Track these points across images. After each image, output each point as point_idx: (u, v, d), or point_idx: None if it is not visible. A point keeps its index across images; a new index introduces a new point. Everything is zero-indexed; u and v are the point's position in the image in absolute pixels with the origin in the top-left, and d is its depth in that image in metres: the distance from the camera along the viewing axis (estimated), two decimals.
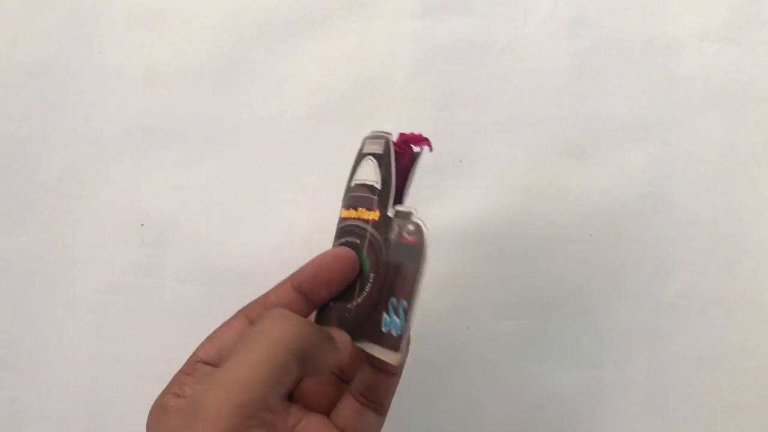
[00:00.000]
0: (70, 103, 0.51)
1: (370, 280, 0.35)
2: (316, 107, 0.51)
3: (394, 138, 0.36)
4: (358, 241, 0.36)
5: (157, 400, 0.34)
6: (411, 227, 0.34)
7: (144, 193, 0.51)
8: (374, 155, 0.36)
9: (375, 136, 0.37)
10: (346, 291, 0.35)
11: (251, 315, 0.36)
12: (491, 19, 0.51)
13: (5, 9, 0.52)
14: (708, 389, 0.50)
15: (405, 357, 0.34)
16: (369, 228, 0.35)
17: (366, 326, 0.34)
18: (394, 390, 0.37)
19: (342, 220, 0.37)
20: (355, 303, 0.35)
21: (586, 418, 0.50)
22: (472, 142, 0.51)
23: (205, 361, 0.35)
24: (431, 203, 0.50)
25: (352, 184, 0.37)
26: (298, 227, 0.50)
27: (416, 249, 0.33)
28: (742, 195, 0.50)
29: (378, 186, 0.36)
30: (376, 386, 0.36)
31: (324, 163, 0.50)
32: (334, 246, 0.37)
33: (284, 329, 0.31)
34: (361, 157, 0.37)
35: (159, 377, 0.50)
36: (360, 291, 0.35)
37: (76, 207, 0.51)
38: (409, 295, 0.33)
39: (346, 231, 0.37)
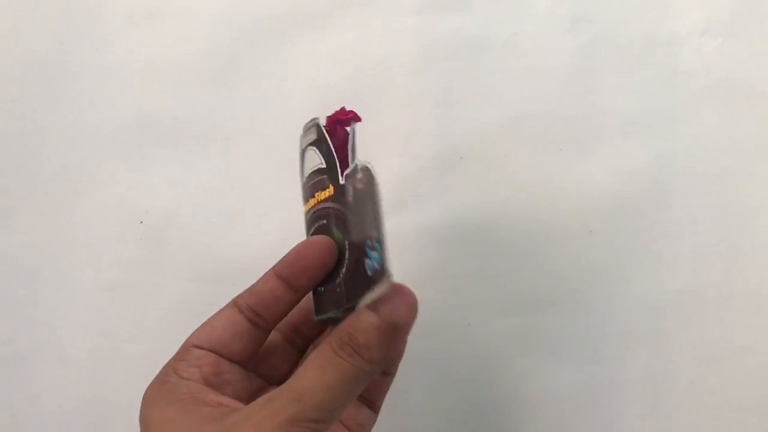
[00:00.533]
0: (69, 100, 0.51)
1: (347, 247, 0.34)
2: (315, 104, 0.51)
3: (323, 121, 0.37)
4: (325, 222, 0.36)
5: (153, 382, 0.35)
6: (359, 175, 0.34)
7: (143, 190, 0.51)
8: (311, 144, 0.37)
9: (306, 128, 0.38)
10: (332, 273, 0.35)
11: (239, 303, 0.36)
12: (491, 14, 0.51)
13: (4, 5, 0.52)
14: (709, 386, 0.50)
15: (392, 276, 0.31)
16: (329, 204, 0.36)
17: (356, 285, 0.33)
18: (387, 389, 0.38)
19: (306, 212, 0.38)
20: (341, 277, 0.35)
21: (586, 415, 0.50)
22: (472, 138, 0.51)
23: (197, 345, 0.36)
24: (431, 200, 0.50)
25: (304, 179, 0.38)
26: (298, 225, 0.50)
27: (369, 187, 0.33)
28: (743, 191, 0.50)
29: (323, 165, 0.36)
30: (371, 386, 0.36)
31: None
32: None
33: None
34: (302, 153, 0.38)
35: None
36: (341, 264, 0.35)
37: (75, 204, 0.51)
38: (377, 225, 0.32)
39: (313, 219, 0.37)
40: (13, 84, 0.51)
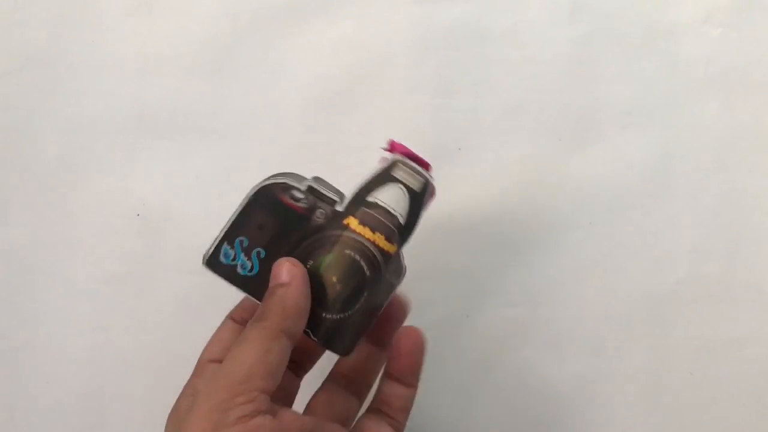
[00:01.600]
0: (66, 91, 0.51)
1: (363, 298, 0.37)
2: (314, 95, 0.51)
3: (427, 176, 0.38)
4: (363, 264, 0.37)
5: (177, 400, 0.37)
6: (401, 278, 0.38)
7: (140, 182, 0.50)
8: (408, 188, 0.37)
9: (414, 170, 0.37)
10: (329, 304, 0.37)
11: (236, 317, 0.39)
12: (490, 4, 0.51)
13: None
14: (709, 376, 0.50)
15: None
16: (378, 254, 0.37)
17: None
18: (410, 406, 0.39)
19: (350, 229, 0.37)
20: (331, 315, 0.37)
21: (586, 406, 0.50)
22: (471, 129, 0.50)
23: (213, 360, 0.37)
24: None
25: (371, 199, 0.37)
26: None
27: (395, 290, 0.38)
28: (743, 182, 0.50)
29: (403, 222, 0.37)
30: (392, 399, 0.38)
31: (321, 151, 0.50)
32: (329, 237, 0.37)
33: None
34: (389, 178, 0.37)
35: (157, 367, 0.50)
36: (352, 304, 0.37)
37: (72, 197, 0.50)
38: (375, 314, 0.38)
39: (355, 243, 0.37)
40: (9, 76, 0.51)
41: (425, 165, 0.38)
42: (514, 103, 0.50)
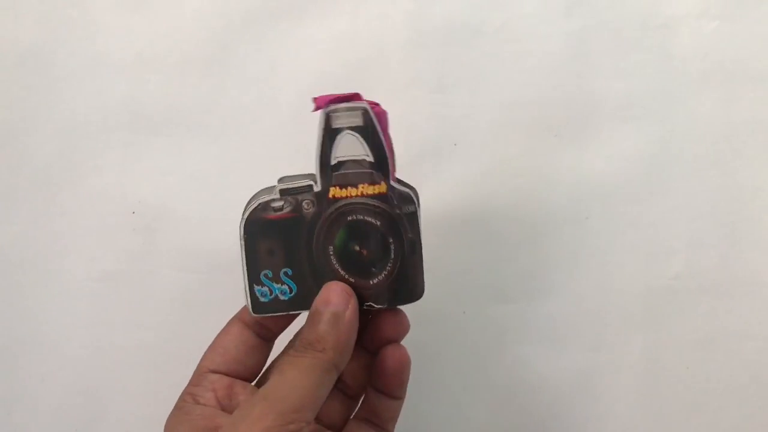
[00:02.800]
0: (59, 89, 0.51)
1: (392, 253, 0.37)
2: (309, 91, 0.50)
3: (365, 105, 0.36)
4: (372, 221, 0.36)
5: (173, 410, 0.36)
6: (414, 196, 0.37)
7: (135, 180, 0.50)
8: (353, 128, 0.36)
9: (346, 108, 0.36)
10: (368, 270, 0.37)
11: (245, 319, 0.38)
12: None
13: None
14: (705, 371, 0.50)
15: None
16: (377, 203, 0.36)
17: (398, 290, 0.37)
18: (398, 414, 0.39)
19: (333, 198, 0.37)
20: (381, 278, 0.37)
21: (583, 401, 0.50)
22: (466, 124, 0.50)
23: (213, 370, 0.37)
24: (426, 187, 0.49)
25: (333, 162, 0.36)
26: None
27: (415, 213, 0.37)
28: (740, 176, 0.50)
29: (372, 158, 0.36)
30: (381, 410, 0.39)
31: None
32: (328, 217, 0.37)
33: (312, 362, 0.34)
34: (332, 132, 0.36)
35: (153, 365, 0.50)
36: (382, 266, 0.37)
37: (67, 195, 0.50)
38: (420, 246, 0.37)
39: (350, 209, 0.36)
40: (2, 74, 0.51)
41: (354, 97, 0.36)
42: (510, 98, 0.50)
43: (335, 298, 0.35)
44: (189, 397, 0.36)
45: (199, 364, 0.37)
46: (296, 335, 0.39)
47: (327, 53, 0.51)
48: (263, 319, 0.38)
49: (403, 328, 0.39)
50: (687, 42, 0.50)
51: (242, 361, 0.38)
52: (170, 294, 0.50)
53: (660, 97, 0.50)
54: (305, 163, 0.50)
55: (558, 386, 0.50)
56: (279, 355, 0.39)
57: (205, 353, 0.38)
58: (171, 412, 0.36)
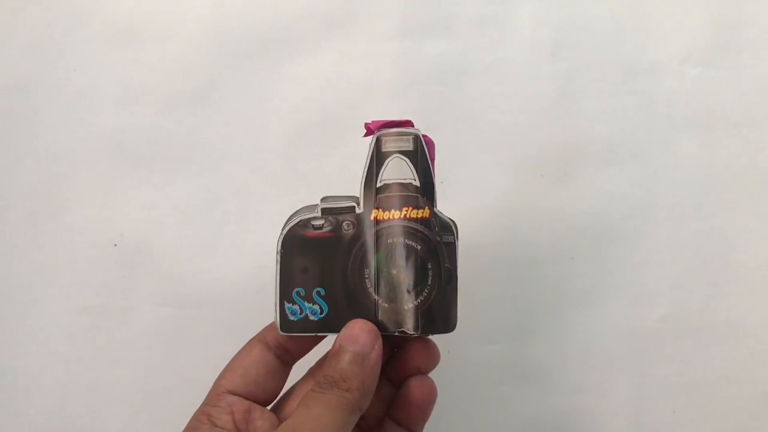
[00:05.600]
0: (44, 121, 0.51)
1: (430, 280, 0.36)
2: (296, 127, 0.51)
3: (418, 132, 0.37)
4: (412, 244, 0.36)
5: (186, 428, 0.35)
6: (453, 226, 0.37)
7: (117, 213, 0.50)
8: (403, 152, 0.36)
9: (397, 133, 0.37)
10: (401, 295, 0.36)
11: (268, 340, 0.37)
12: (472, 40, 0.51)
13: None
14: (691, 414, 0.49)
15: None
16: (420, 227, 0.36)
17: (433, 319, 0.37)
18: (427, 417, 0.38)
19: (379, 221, 0.36)
20: (415, 305, 0.36)
21: None
22: (453, 163, 0.50)
23: (231, 391, 0.36)
24: None
25: (379, 184, 0.36)
26: (275, 249, 0.49)
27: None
28: (722, 219, 0.50)
29: (418, 183, 0.36)
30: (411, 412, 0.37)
31: (303, 183, 0.50)
32: (368, 239, 0.36)
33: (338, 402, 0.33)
34: (382, 155, 0.36)
35: (131, 402, 0.49)
36: (418, 292, 0.36)
37: (49, 226, 0.50)
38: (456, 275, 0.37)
39: (394, 233, 0.36)
40: None
41: (406, 123, 0.37)
42: (496, 138, 0.51)
43: (363, 338, 0.35)
44: (205, 418, 0.35)
45: (217, 383, 0.36)
46: (316, 367, 0.38)
47: (315, 90, 0.51)
48: (287, 341, 0.37)
49: (434, 359, 0.38)
50: (670, 87, 0.51)
51: (261, 384, 0.36)
52: (151, 330, 0.49)
53: (643, 141, 0.51)
54: (292, 198, 0.50)
55: (542, 429, 0.49)
56: (296, 384, 0.39)
57: (224, 372, 0.37)
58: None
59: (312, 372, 0.39)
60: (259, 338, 0.37)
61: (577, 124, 0.51)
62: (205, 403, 0.36)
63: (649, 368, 0.49)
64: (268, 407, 0.37)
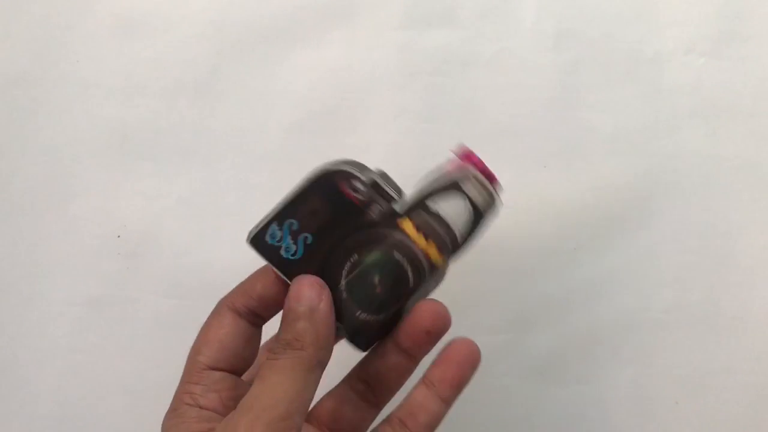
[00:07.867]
0: (47, 113, 0.51)
1: (392, 311, 0.35)
2: (299, 118, 0.51)
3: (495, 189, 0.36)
4: (410, 277, 0.35)
5: (169, 411, 0.34)
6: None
7: (121, 204, 0.50)
8: (473, 204, 0.35)
9: (485, 187, 0.36)
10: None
11: (237, 307, 0.35)
12: (476, 31, 0.51)
13: None
14: (694, 405, 0.49)
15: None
16: (423, 262, 0.35)
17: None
18: (437, 426, 0.36)
19: (404, 232, 0.35)
20: (367, 317, 0.35)
21: None
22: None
23: (212, 367, 0.34)
24: None
25: (432, 206, 0.35)
26: None
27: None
28: (727, 209, 0.50)
29: (459, 238, 0.35)
30: (422, 412, 0.36)
31: (305, 175, 0.50)
32: (379, 234, 0.35)
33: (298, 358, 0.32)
34: (456, 189, 0.35)
35: (134, 392, 0.49)
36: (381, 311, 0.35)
37: (52, 217, 0.50)
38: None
39: (403, 249, 0.35)
40: None
41: (495, 180, 0.36)
42: (499, 128, 0.51)
43: (307, 291, 0.33)
44: (188, 397, 0.33)
45: (193, 359, 0.34)
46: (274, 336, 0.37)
47: (317, 81, 0.51)
48: (256, 307, 0.35)
49: (444, 321, 0.36)
50: (674, 77, 0.51)
51: (241, 354, 0.35)
52: (153, 320, 0.49)
53: (648, 130, 0.51)
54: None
55: (545, 420, 0.49)
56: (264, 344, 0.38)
57: (199, 347, 0.35)
58: (167, 416, 0.34)
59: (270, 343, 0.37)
60: (228, 305, 0.36)
61: (581, 114, 0.50)
62: (186, 381, 0.34)
63: (653, 359, 0.49)
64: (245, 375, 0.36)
